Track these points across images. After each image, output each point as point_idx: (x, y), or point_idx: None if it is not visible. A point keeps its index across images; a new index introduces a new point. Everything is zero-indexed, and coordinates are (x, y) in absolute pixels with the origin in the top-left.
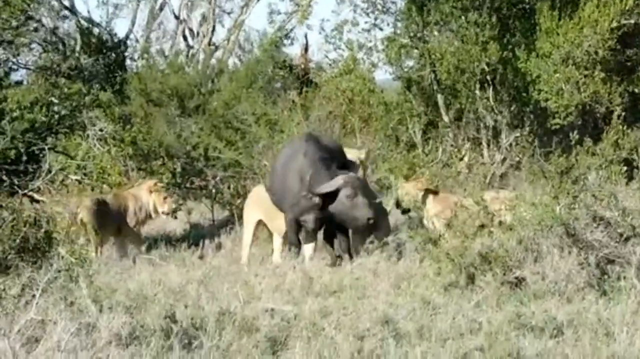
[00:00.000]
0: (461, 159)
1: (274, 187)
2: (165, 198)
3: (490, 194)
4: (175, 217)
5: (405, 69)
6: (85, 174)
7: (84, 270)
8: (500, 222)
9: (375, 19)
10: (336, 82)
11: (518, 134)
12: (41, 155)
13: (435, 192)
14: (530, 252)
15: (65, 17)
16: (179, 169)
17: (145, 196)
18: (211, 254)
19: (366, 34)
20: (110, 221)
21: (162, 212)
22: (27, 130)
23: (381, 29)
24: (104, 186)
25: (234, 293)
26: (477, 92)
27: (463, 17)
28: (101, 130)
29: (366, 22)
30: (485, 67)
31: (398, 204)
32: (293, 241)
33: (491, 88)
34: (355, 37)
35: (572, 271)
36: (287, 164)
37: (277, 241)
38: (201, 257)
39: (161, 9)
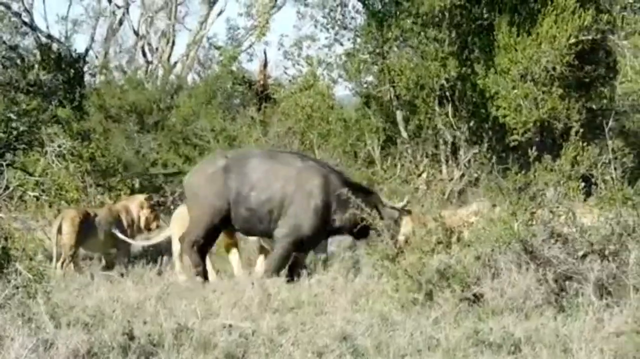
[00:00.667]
0: (419, 175)
1: None
2: (155, 215)
3: (461, 211)
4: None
5: (365, 85)
6: (43, 191)
7: (42, 286)
8: (458, 239)
9: (336, 34)
10: (295, 98)
11: (476, 151)
12: None
13: (409, 212)
14: (488, 269)
15: (24, 33)
16: (137, 186)
17: (136, 211)
18: (169, 271)
19: (326, 49)
20: (96, 234)
21: (150, 230)
22: None
23: (341, 44)
24: (62, 202)
25: (191, 309)
26: (436, 108)
27: (422, 33)
28: (59, 146)
29: (326, 38)
30: (445, 83)
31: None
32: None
33: (450, 104)
34: (315, 53)
35: (530, 288)
36: None
37: (236, 256)
38: (159, 273)
39: (120, 24)
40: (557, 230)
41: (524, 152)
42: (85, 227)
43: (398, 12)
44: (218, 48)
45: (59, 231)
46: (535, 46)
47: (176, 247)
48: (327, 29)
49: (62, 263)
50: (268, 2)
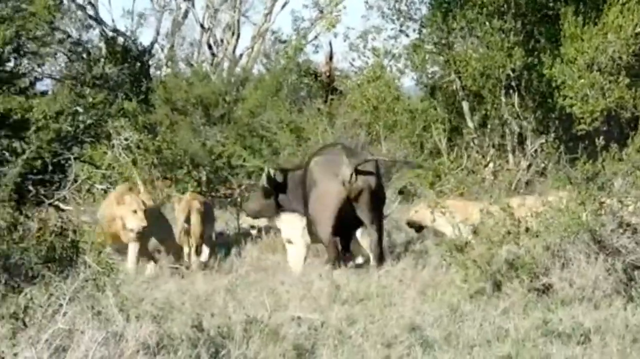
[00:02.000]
0: (486, 166)
1: None
2: (136, 211)
3: (516, 200)
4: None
5: (430, 76)
6: (110, 183)
7: (111, 279)
8: (527, 229)
9: (401, 25)
10: (362, 90)
11: (543, 140)
12: (67, 165)
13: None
14: (557, 259)
15: (90, 26)
16: (204, 178)
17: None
18: (237, 263)
19: (392, 41)
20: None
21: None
22: (53, 140)
23: (407, 35)
24: None
25: (260, 302)
26: (503, 98)
27: (488, 23)
28: (126, 139)
29: (392, 29)
30: (511, 73)
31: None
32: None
33: (516, 94)
34: (381, 44)
35: (599, 278)
36: None
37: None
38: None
39: (185, 17)
40: (625, 219)
41: (591, 141)
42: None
43: (463, 3)
44: (283, 42)
45: (187, 220)
46: (601, 36)
47: None
48: (393, 21)
49: (196, 250)
50: None
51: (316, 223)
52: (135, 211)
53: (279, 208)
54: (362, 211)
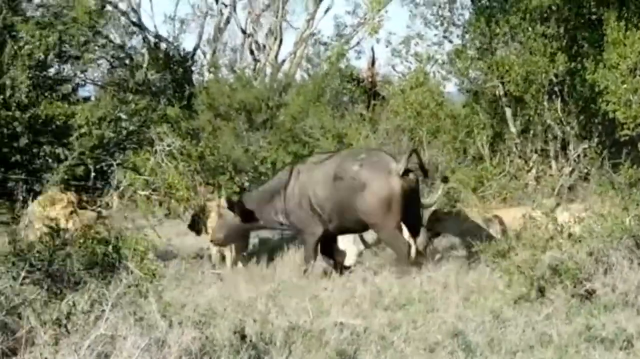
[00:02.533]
0: (529, 171)
1: None
2: (72, 212)
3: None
4: None
5: (473, 81)
6: (153, 190)
7: (153, 285)
8: (570, 235)
9: (445, 31)
10: (405, 95)
11: (586, 146)
12: (109, 171)
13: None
14: (600, 264)
15: (132, 32)
16: (246, 184)
17: None
18: (280, 269)
19: (435, 47)
20: None
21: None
22: (96, 146)
23: (451, 41)
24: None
25: (302, 307)
26: (545, 103)
27: (530, 29)
28: (169, 145)
29: (435, 35)
30: (553, 79)
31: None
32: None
33: (559, 99)
34: (424, 50)
35: None
36: None
37: None
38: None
39: (227, 23)
40: None
41: (634, 147)
42: None
43: (506, 8)
44: (324, 44)
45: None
46: None
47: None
48: (436, 27)
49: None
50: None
51: (379, 223)
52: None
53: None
54: (411, 207)
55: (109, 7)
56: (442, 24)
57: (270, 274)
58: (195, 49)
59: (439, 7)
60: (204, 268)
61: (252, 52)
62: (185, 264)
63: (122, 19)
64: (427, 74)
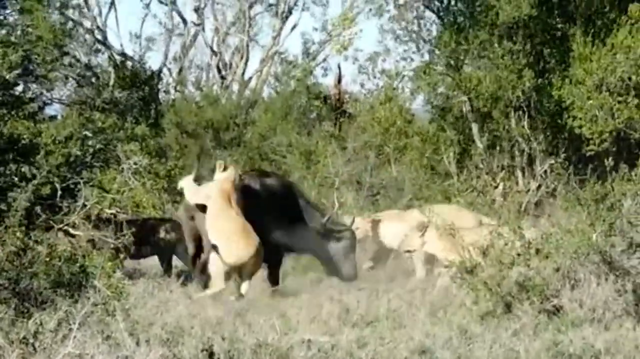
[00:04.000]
0: (496, 187)
1: None
2: None
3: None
4: None
5: (440, 97)
6: (120, 208)
7: (121, 304)
8: (537, 251)
9: (416, 46)
10: (372, 112)
11: (553, 161)
12: (76, 189)
13: None
14: (567, 280)
15: (98, 51)
16: None
17: None
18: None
19: (403, 62)
20: None
21: None
22: (62, 164)
23: (421, 55)
24: None
25: (270, 325)
26: (513, 119)
27: (498, 45)
28: (136, 164)
29: (405, 51)
30: (520, 94)
31: None
32: None
33: (526, 115)
34: (392, 66)
35: (609, 299)
36: None
37: None
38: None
39: (194, 41)
40: (635, 240)
41: (600, 162)
42: None
43: (474, 24)
44: (291, 64)
45: None
46: (610, 56)
47: None
48: (406, 42)
49: None
50: (348, 16)
51: None
52: None
53: None
54: None
55: (74, 25)
56: (411, 40)
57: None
58: (161, 67)
59: (408, 22)
60: (172, 286)
61: (219, 70)
62: (153, 283)
63: (88, 37)
64: (395, 89)
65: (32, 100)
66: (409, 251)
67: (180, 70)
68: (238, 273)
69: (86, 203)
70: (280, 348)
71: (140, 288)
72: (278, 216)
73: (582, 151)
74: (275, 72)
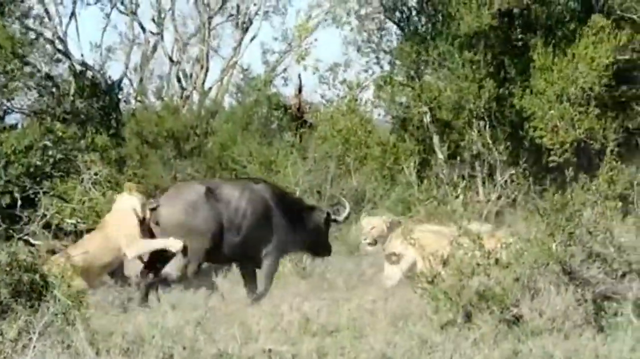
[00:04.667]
0: (457, 197)
1: None
2: None
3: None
4: None
5: (401, 108)
6: (80, 218)
7: (81, 313)
8: (497, 260)
9: (376, 57)
10: (332, 122)
11: (513, 171)
12: (36, 199)
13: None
14: (527, 290)
15: (59, 60)
16: None
17: None
18: (207, 296)
19: (364, 73)
20: None
21: None
22: (22, 174)
23: (381, 67)
24: None
25: (231, 334)
26: (473, 129)
27: (459, 55)
28: (96, 174)
29: (367, 62)
30: (481, 105)
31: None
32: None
33: (487, 125)
34: (353, 77)
35: (569, 308)
36: None
37: None
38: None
39: (154, 51)
40: (595, 250)
41: (560, 172)
42: None
43: (434, 35)
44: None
45: None
46: (572, 67)
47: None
48: (368, 53)
49: None
50: (307, 26)
51: None
52: None
53: None
54: None
55: (33, 35)
56: (372, 51)
57: (199, 302)
58: (122, 77)
59: (369, 34)
60: (132, 295)
61: (179, 80)
62: (113, 292)
63: (48, 47)
64: (356, 100)
65: None
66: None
67: (141, 80)
68: None
69: (46, 213)
70: (241, 357)
71: (100, 297)
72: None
73: (543, 161)
74: (236, 82)
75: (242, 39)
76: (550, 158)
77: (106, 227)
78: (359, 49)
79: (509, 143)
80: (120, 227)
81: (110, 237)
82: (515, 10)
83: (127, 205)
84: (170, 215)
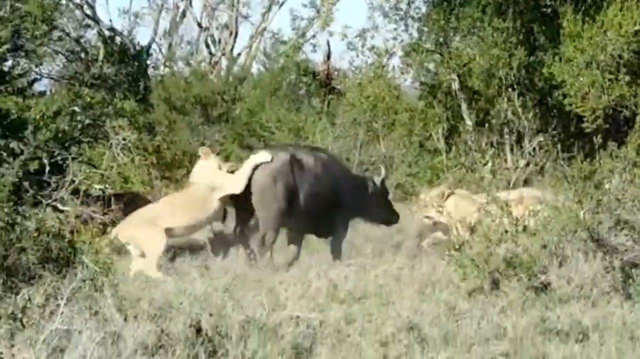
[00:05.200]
0: (485, 165)
1: None
2: None
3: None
4: None
5: (429, 74)
6: (108, 184)
7: (109, 279)
8: (525, 228)
9: (406, 24)
10: (361, 89)
11: (541, 139)
12: (65, 165)
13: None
14: (554, 257)
15: (87, 26)
16: None
17: None
18: (235, 262)
19: (392, 40)
20: None
21: None
22: (51, 140)
23: (410, 34)
24: None
25: (258, 301)
26: (503, 97)
27: (487, 22)
28: (124, 139)
29: (395, 29)
30: (510, 72)
31: None
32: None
33: (516, 92)
34: (381, 43)
35: (596, 275)
36: None
37: None
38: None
39: (183, 16)
40: (623, 217)
41: (589, 140)
42: None
43: (463, 1)
44: (282, 42)
45: None
46: (601, 34)
47: None
48: (395, 20)
49: None
50: None
51: None
52: None
53: None
54: None
55: (64, 1)
56: (402, 18)
57: (227, 268)
58: (150, 43)
59: (397, 0)
60: (160, 262)
61: (207, 46)
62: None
63: (77, 12)
64: (384, 67)
65: (21, 75)
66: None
67: (169, 46)
68: None
69: (74, 179)
70: (268, 324)
71: (128, 264)
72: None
73: (571, 128)
74: (265, 48)
75: (270, 4)
76: (585, 125)
77: (190, 190)
78: (385, 15)
79: (537, 110)
80: (211, 183)
81: (197, 192)
82: None
83: (206, 166)
84: (255, 181)
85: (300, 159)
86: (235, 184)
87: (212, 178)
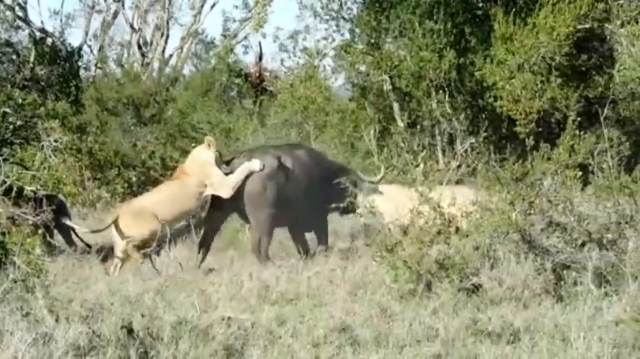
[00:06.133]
0: (417, 166)
1: None
2: None
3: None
4: None
5: (361, 76)
6: (40, 185)
7: (40, 280)
8: (457, 229)
9: (336, 25)
10: (292, 90)
11: (473, 141)
12: None
13: None
14: (486, 259)
15: (18, 27)
16: (134, 179)
17: None
18: (167, 264)
19: (324, 41)
20: None
21: None
22: None
23: (342, 35)
24: None
25: (190, 302)
26: (434, 98)
27: (419, 24)
28: (56, 140)
29: (326, 30)
30: (441, 74)
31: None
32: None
33: (447, 94)
34: (312, 45)
35: (528, 277)
36: None
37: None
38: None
39: (114, 17)
40: (555, 219)
41: (521, 141)
42: None
43: (395, 3)
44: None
45: None
46: (533, 37)
47: None
48: (327, 20)
49: None
50: None
51: None
52: None
53: None
54: None
55: None
56: (333, 19)
57: (158, 269)
58: (82, 44)
59: (328, 1)
60: (92, 263)
61: (139, 47)
62: (72, 259)
63: (8, 13)
64: (315, 68)
65: None
66: None
67: (101, 47)
68: None
69: (6, 180)
70: (199, 325)
71: (60, 265)
72: None
73: (503, 130)
74: (196, 50)
75: (202, 6)
76: (518, 129)
77: (184, 176)
78: (316, 16)
79: (469, 112)
80: (204, 176)
81: (189, 185)
82: None
83: (204, 157)
84: (246, 188)
85: (285, 162)
86: (226, 190)
87: (206, 171)
